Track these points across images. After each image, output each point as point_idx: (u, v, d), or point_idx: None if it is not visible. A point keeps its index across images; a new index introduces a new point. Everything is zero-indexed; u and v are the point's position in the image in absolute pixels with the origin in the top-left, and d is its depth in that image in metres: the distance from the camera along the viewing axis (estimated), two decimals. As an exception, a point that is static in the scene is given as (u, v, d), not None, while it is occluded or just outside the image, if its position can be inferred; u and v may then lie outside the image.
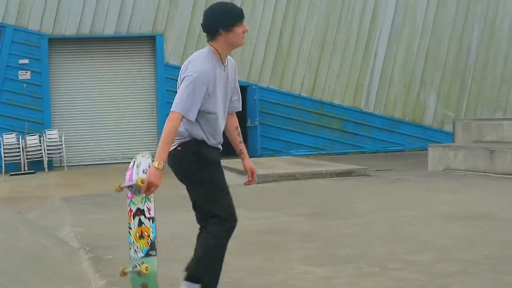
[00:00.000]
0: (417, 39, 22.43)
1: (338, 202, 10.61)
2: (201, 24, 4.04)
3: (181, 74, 3.85)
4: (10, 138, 19.62)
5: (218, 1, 4.07)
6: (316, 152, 20.67)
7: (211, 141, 3.84)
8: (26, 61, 19.95)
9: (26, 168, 19.71)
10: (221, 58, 3.77)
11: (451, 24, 22.78)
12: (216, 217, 3.86)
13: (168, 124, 3.62)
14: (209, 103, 3.70)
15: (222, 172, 4.04)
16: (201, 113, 3.70)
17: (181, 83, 3.82)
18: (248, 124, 21.22)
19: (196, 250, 3.97)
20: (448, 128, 21.24)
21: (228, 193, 3.90)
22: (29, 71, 20.03)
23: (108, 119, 21.85)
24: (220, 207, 3.88)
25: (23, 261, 5.43)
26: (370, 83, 22.04)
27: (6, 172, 19.40)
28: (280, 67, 21.50)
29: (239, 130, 4.16)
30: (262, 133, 21.11)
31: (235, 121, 4.17)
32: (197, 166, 3.90)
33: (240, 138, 4.10)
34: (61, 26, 20.46)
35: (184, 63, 3.91)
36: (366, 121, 21.81)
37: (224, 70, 3.82)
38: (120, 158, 21.25)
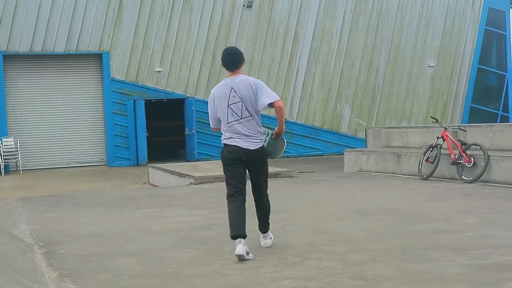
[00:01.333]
0: (333, 59, 24.35)
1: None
2: (229, 60, 6.10)
3: (254, 88, 5.91)
4: None
5: (229, 46, 7.12)
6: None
7: None
8: None
9: None
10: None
11: (362, 46, 24.88)
12: (267, 190, 6.33)
13: (283, 109, 5.90)
14: None
15: None
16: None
17: (258, 91, 5.88)
18: (186, 132, 22.73)
19: (264, 211, 6.38)
20: (361, 135, 22.90)
21: None
22: None
23: (60, 127, 22.58)
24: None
25: None
26: (293, 96, 23.87)
27: None
28: (213, 81, 21.88)
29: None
30: (199, 140, 22.45)
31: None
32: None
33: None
34: (15, 43, 21.38)
35: (250, 82, 5.97)
36: (289, 129, 22.34)
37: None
38: (71, 162, 22.64)
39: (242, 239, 5.80)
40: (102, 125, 22.86)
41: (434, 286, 4.75)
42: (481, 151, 12.56)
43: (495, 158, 12.50)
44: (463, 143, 13.05)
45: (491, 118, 25.66)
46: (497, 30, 26.53)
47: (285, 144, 6.81)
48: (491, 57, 27.00)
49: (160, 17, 22.70)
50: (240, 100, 5.94)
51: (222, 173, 12.40)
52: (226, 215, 7.86)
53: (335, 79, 24.63)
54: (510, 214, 8.60)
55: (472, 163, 12.71)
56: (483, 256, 5.78)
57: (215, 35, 23.24)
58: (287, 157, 21.92)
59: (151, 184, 16.65)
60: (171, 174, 15.90)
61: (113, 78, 22.12)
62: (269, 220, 6.46)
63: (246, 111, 6.01)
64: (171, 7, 22.84)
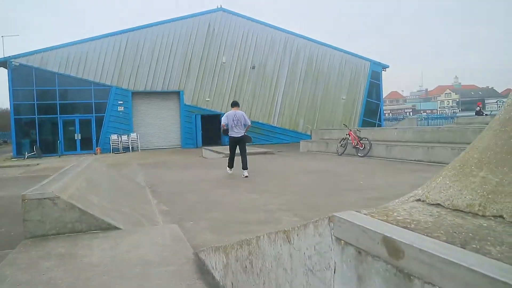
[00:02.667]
0: (294, 94, 26.91)
1: (260, 166, 11.39)
2: (234, 104, 9.22)
3: (244, 116, 8.95)
4: (114, 137, 23.56)
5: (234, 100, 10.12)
6: (250, 143, 21.76)
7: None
8: (121, 102, 23.88)
9: (121, 150, 23.28)
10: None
11: (309, 88, 27.16)
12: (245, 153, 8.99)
13: (248, 127, 9.17)
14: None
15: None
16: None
17: (245, 117, 8.93)
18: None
19: (244, 162, 8.80)
20: (308, 133, 25.09)
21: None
22: (122, 107, 23.88)
23: (158, 130, 24.76)
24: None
25: (120, 192, 5.88)
26: (275, 112, 26.74)
27: (112, 152, 22.58)
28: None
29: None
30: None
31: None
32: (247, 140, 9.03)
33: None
34: (137, 85, 24.07)
35: (242, 113, 8.91)
36: (272, 129, 26.63)
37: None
38: (165, 145, 24.69)
39: (232, 168, 9.16)
40: (179, 127, 25.37)
41: (346, 206, 4.86)
42: (368, 141, 13.41)
43: (373, 144, 13.45)
44: (359, 137, 13.78)
45: (372, 125, 27.71)
46: (375, 81, 29.19)
47: (251, 139, 9.93)
48: (372, 94, 29.08)
49: (209, 72, 25.30)
50: (238, 119, 8.89)
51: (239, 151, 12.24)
52: (241, 172, 9.36)
53: (295, 104, 27.09)
54: (382, 171, 9.42)
55: (363, 147, 13.54)
56: (367, 193, 6.37)
57: (236, 82, 25.92)
58: (271, 143, 24.57)
59: (204, 157, 17.08)
60: (212, 152, 16.96)
61: (185, 103, 24.93)
62: (248, 166, 8.88)
63: (240, 123, 8.94)
64: (214, 67, 25.42)
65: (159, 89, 24.59)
